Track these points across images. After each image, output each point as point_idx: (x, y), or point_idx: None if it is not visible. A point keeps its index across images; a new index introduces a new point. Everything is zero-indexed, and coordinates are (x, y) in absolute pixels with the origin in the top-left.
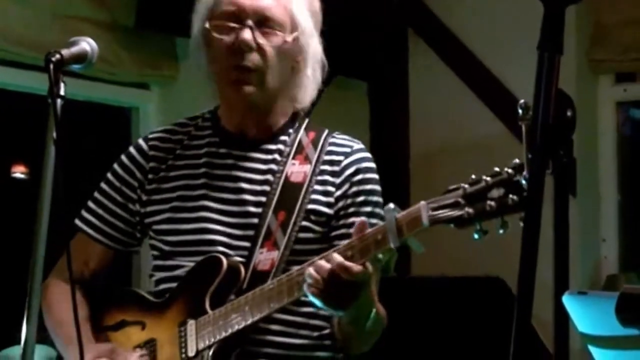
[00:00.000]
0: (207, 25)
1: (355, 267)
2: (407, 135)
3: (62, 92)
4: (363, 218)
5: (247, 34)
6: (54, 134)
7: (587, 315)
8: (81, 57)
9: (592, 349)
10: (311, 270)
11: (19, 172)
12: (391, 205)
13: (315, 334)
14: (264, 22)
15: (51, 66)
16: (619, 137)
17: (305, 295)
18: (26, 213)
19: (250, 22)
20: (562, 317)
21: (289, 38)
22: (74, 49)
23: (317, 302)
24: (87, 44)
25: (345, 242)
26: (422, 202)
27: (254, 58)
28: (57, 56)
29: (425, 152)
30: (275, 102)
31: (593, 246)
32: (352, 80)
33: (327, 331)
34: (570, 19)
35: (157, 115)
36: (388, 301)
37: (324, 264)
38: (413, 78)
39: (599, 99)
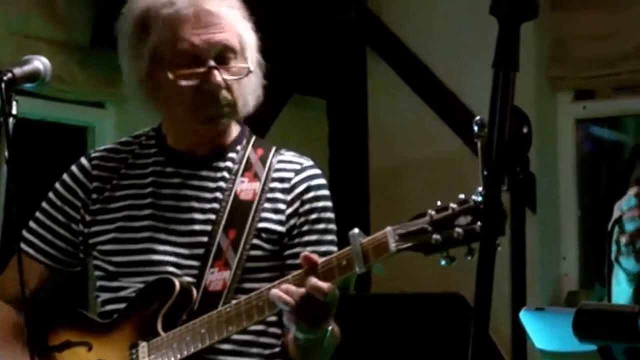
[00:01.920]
0: (170, 76)
1: (328, 286)
2: (367, 152)
3: (14, 111)
4: (305, 253)
5: (217, 77)
6: (6, 153)
7: (545, 331)
8: (34, 76)
9: None
10: (282, 295)
11: None
12: (356, 231)
13: (267, 352)
14: (222, 55)
15: (2, 85)
16: (578, 154)
17: (264, 319)
18: None
19: (212, 62)
20: (519, 333)
21: (246, 63)
22: (27, 68)
23: (292, 325)
24: (40, 63)
25: (298, 261)
26: (389, 228)
27: (226, 96)
28: (9, 75)
29: (385, 169)
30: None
31: (554, 263)
32: (311, 98)
33: (277, 349)
34: (529, 36)
35: (113, 134)
36: (348, 319)
37: (295, 289)
38: (372, 95)
39: (558, 116)
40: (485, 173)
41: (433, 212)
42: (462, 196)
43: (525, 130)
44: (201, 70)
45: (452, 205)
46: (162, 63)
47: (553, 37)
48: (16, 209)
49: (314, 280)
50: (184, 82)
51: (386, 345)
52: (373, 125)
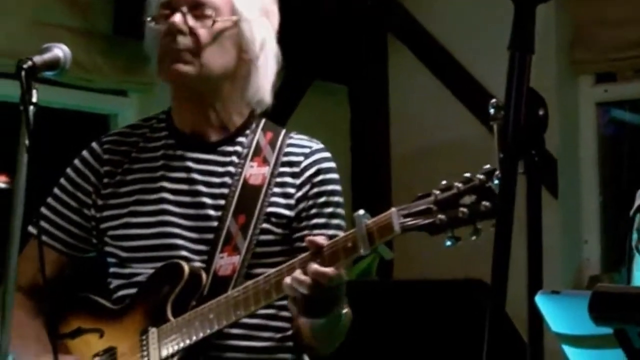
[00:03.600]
0: (146, 19)
1: (332, 271)
2: (388, 138)
3: (34, 100)
4: (310, 237)
5: (177, 17)
6: (27, 142)
7: (561, 314)
8: (54, 64)
9: (566, 349)
10: (287, 282)
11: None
12: (361, 212)
13: (278, 335)
14: (196, 6)
15: (23, 73)
16: (599, 138)
17: (272, 303)
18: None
19: (183, 9)
20: (536, 317)
21: (224, 22)
22: (47, 56)
23: (301, 312)
24: (60, 50)
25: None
26: (393, 209)
27: (185, 41)
28: (29, 63)
29: (406, 155)
30: (221, 94)
31: (575, 248)
32: (332, 85)
33: (289, 333)
34: (550, 20)
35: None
36: (370, 305)
37: (299, 275)
38: (393, 80)
39: (579, 99)
40: (501, 156)
41: (438, 192)
42: (467, 175)
43: (541, 112)
44: (168, 11)
45: (457, 184)
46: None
47: (574, 20)
48: (37, 198)
49: (314, 267)
50: (154, 25)
51: (408, 332)
52: (394, 110)
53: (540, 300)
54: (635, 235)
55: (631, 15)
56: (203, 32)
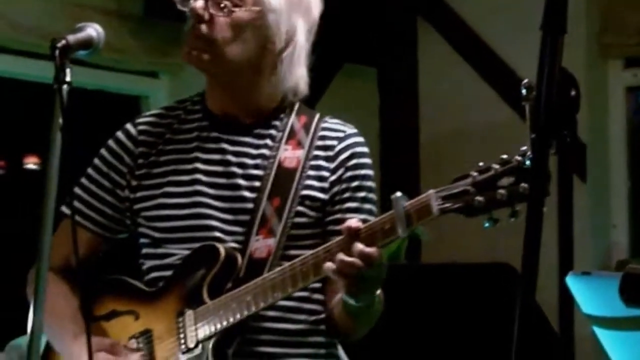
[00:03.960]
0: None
1: (375, 250)
2: (417, 122)
3: (68, 79)
4: (346, 224)
5: (198, 3)
6: (60, 121)
7: (591, 296)
8: (87, 43)
9: (597, 330)
10: (333, 267)
11: (31, 163)
12: (399, 194)
13: (312, 318)
14: None
15: (57, 52)
16: (629, 123)
17: (308, 285)
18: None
19: None
20: (566, 300)
21: (246, 12)
22: (80, 35)
23: (345, 296)
24: (93, 30)
25: (339, 227)
26: (431, 191)
27: (203, 28)
28: (63, 42)
29: (435, 139)
30: (248, 81)
31: (603, 232)
32: (362, 67)
33: (322, 316)
34: (580, 4)
35: (166, 104)
36: (399, 288)
37: (344, 257)
38: (422, 64)
39: (609, 83)
40: (533, 136)
41: (475, 174)
42: (504, 156)
43: (573, 93)
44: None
45: (495, 165)
46: None
47: (604, 4)
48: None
49: (360, 247)
50: (180, 6)
51: (437, 315)
52: (424, 93)
53: (571, 281)
54: None
55: None
56: (222, 21)
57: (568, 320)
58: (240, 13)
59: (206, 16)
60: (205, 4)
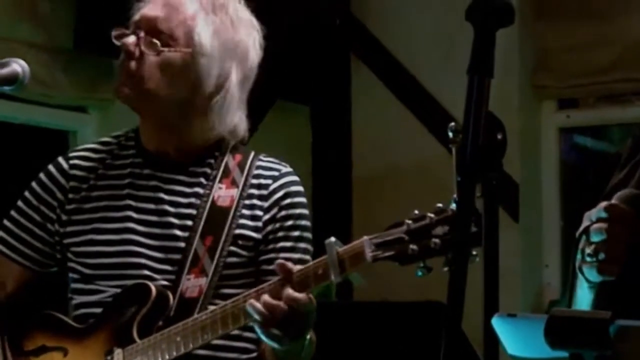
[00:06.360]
0: (112, 34)
1: (304, 297)
2: (350, 160)
3: None
4: (281, 261)
5: (129, 39)
6: None
7: (517, 337)
8: (12, 79)
9: None
10: (258, 306)
11: None
12: (332, 239)
13: (244, 357)
14: (153, 32)
15: None
16: (561, 164)
17: (240, 327)
18: None
19: (141, 32)
20: (492, 340)
21: (176, 52)
22: (4, 70)
23: (266, 339)
24: (18, 65)
25: (272, 267)
26: (365, 238)
27: (133, 65)
28: None
29: (368, 176)
30: (180, 120)
31: (536, 272)
32: (294, 105)
33: (254, 354)
34: (514, 44)
35: (95, 139)
36: (330, 326)
37: (269, 299)
38: (355, 102)
39: (542, 124)
40: (459, 179)
41: (410, 222)
42: (439, 205)
43: (499, 136)
44: (127, 32)
45: (430, 214)
46: None
47: (537, 46)
48: None
49: (289, 292)
50: (115, 41)
51: (368, 354)
52: (356, 132)
53: (496, 322)
54: (579, 256)
55: (594, 42)
56: (151, 59)
57: (494, 358)
58: (171, 53)
59: (137, 53)
60: (137, 40)
